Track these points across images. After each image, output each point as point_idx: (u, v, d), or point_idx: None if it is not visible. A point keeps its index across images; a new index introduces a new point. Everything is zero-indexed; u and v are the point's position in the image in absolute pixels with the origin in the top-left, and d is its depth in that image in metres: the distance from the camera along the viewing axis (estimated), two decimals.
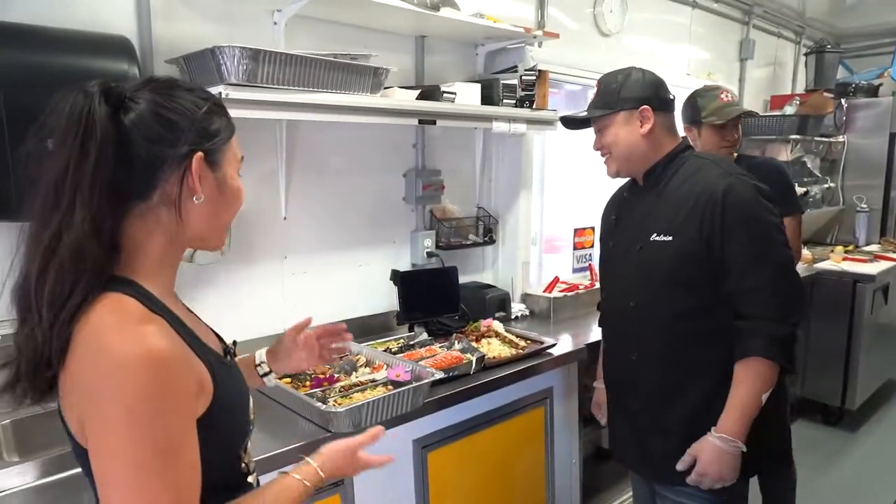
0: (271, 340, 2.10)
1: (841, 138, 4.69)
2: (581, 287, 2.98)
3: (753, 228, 1.48)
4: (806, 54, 4.89)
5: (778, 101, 4.66)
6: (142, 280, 0.85)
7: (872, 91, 4.72)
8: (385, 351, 2.06)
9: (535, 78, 2.53)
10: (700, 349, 1.56)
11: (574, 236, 3.27)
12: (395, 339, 2.23)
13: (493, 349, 2.20)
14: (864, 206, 4.66)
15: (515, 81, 2.48)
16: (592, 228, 3.29)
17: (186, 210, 0.87)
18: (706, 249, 1.49)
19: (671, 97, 1.65)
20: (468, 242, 2.71)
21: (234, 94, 1.64)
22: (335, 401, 1.62)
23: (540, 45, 2.66)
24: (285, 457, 1.49)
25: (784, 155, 4.30)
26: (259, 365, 1.26)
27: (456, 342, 2.15)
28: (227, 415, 0.90)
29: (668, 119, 1.64)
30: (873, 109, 4.62)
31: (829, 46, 4.76)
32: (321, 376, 1.80)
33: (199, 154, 0.86)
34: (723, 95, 2.36)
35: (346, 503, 1.70)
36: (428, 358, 2.00)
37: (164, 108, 0.84)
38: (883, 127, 4.57)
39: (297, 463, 1.00)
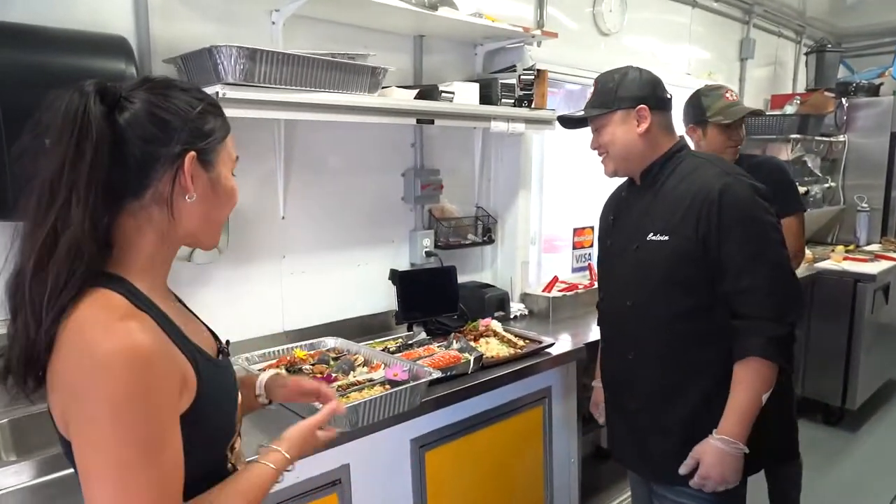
0: (270, 340, 2.14)
1: (842, 138, 4.68)
2: (580, 287, 2.98)
3: (750, 228, 1.47)
4: (806, 54, 4.89)
5: (778, 101, 4.65)
6: (131, 276, 0.86)
7: (873, 90, 4.71)
8: (383, 350, 2.06)
9: (533, 77, 2.53)
10: (698, 349, 1.56)
11: (573, 236, 3.27)
12: (394, 339, 2.23)
13: (492, 348, 2.19)
14: (865, 205, 4.65)
15: (514, 81, 2.47)
16: (592, 228, 3.28)
17: (179, 208, 0.88)
18: (703, 249, 1.49)
19: (668, 96, 1.65)
20: (467, 242, 2.71)
21: (231, 93, 1.64)
22: None
23: (539, 44, 2.66)
24: None
25: (784, 154, 4.30)
26: (258, 396, 1.23)
27: (454, 342, 2.15)
28: (212, 413, 0.91)
29: (665, 118, 1.64)
30: (874, 109, 4.61)
31: (829, 46, 4.76)
32: (319, 375, 1.80)
33: (192, 153, 0.87)
34: (727, 95, 2.35)
35: (344, 502, 1.70)
36: (426, 357, 1.99)
37: (159, 107, 0.85)
38: (884, 126, 4.57)
39: (263, 450, 1.02)
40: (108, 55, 1.58)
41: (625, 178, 1.76)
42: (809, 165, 4.59)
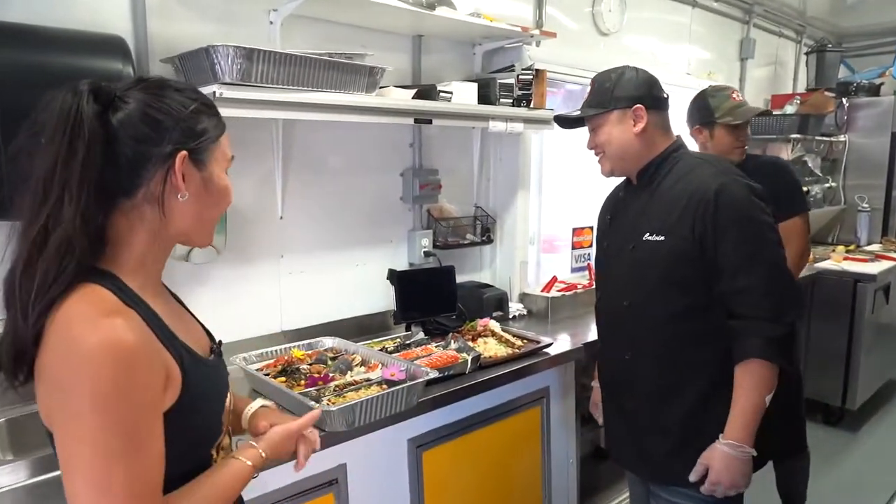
0: (268, 340, 2.14)
1: (842, 138, 4.68)
2: (579, 287, 2.98)
3: (746, 228, 1.47)
4: (807, 53, 4.88)
5: (779, 101, 4.65)
6: (121, 273, 0.87)
7: (874, 90, 4.71)
8: (381, 350, 2.06)
9: (532, 77, 2.52)
10: (695, 349, 1.55)
11: (572, 236, 3.27)
12: (392, 339, 2.23)
13: (490, 348, 2.19)
14: (866, 205, 4.65)
15: (512, 81, 2.47)
16: (591, 228, 3.28)
17: (171, 207, 0.89)
18: (699, 249, 1.49)
19: (665, 96, 1.65)
20: (466, 242, 2.71)
21: (228, 93, 1.65)
22: (329, 400, 1.62)
23: (538, 44, 2.66)
24: None
25: (785, 154, 4.29)
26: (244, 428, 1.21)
27: (452, 341, 2.14)
28: (198, 411, 0.91)
29: (661, 118, 1.63)
30: (874, 109, 4.61)
31: (830, 45, 4.75)
32: (316, 375, 1.80)
33: (183, 153, 0.88)
34: (734, 95, 2.36)
35: (340, 502, 1.70)
36: (423, 357, 1.99)
37: (152, 107, 0.86)
38: (884, 126, 4.56)
39: (242, 447, 1.02)
40: (105, 55, 1.58)
41: (622, 178, 1.76)
42: (810, 165, 4.58)
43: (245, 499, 1.43)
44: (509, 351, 2.19)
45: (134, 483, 0.77)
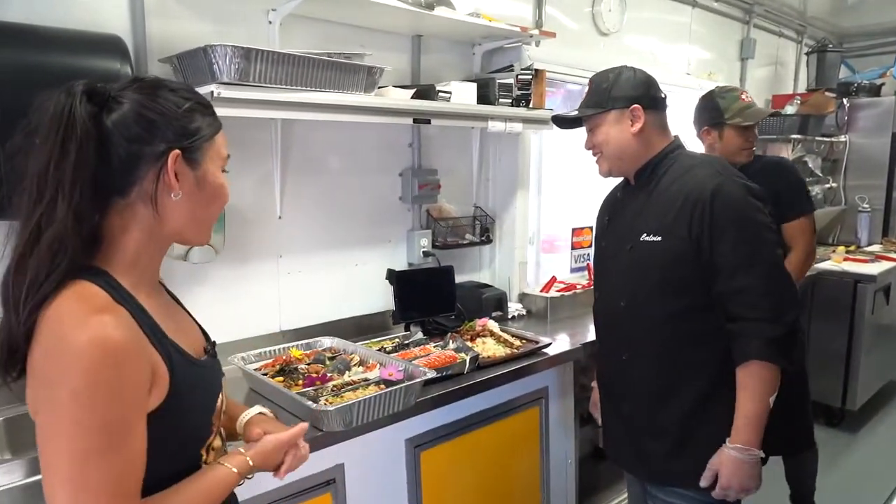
0: (267, 340, 2.14)
1: (843, 138, 4.67)
2: (578, 287, 2.97)
3: (744, 228, 1.47)
4: (807, 53, 4.87)
5: (779, 101, 4.64)
6: (115, 271, 0.87)
7: (874, 90, 4.70)
8: (379, 350, 2.06)
9: (531, 77, 2.52)
10: (693, 349, 1.55)
11: (572, 236, 3.26)
12: (390, 339, 2.23)
13: (488, 348, 2.19)
14: (867, 206, 4.64)
15: (511, 80, 2.47)
16: (590, 228, 3.28)
17: (164, 206, 0.89)
18: (696, 249, 1.48)
19: (662, 96, 1.65)
20: (465, 242, 2.71)
21: (226, 92, 1.65)
22: (326, 399, 1.62)
23: (537, 44, 2.66)
24: None
25: (785, 154, 4.29)
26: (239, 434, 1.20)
27: (450, 341, 2.14)
28: (186, 411, 0.91)
29: (659, 118, 1.63)
30: (875, 109, 4.61)
31: (830, 46, 4.74)
32: (314, 375, 1.80)
33: (176, 152, 0.88)
34: (743, 96, 2.36)
35: (338, 502, 1.70)
36: (422, 357, 1.99)
37: (145, 107, 0.87)
38: (885, 127, 4.56)
39: (230, 453, 1.02)
40: (103, 55, 1.58)
41: (620, 179, 1.76)
42: (810, 166, 4.57)
43: (243, 498, 1.44)
44: (508, 351, 2.19)
45: (111, 482, 0.78)
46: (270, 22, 2.04)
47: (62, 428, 0.77)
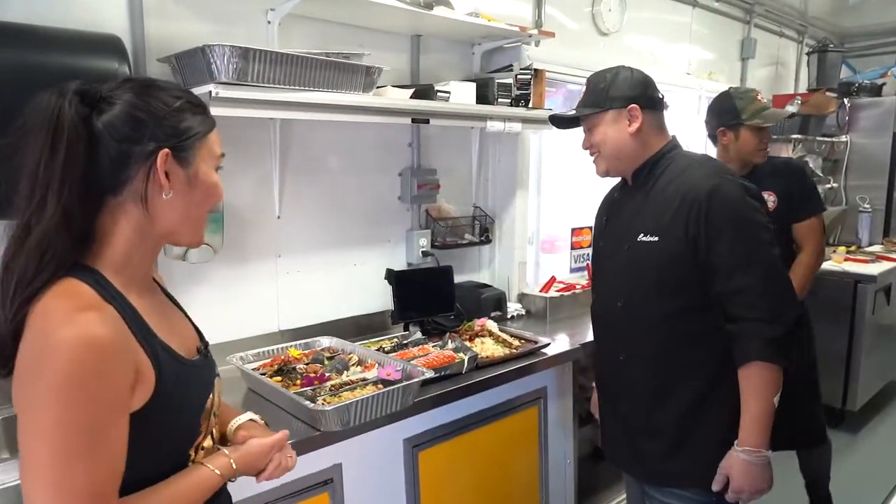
0: (265, 339, 2.14)
1: (844, 138, 4.66)
2: (578, 287, 2.97)
3: (741, 228, 1.46)
4: (808, 53, 4.87)
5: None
6: (105, 270, 0.88)
7: (876, 90, 4.69)
8: (378, 350, 2.06)
9: (530, 77, 2.52)
10: (690, 349, 1.55)
11: (571, 236, 3.26)
12: (389, 339, 2.23)
13: (487, 348, 2.19)
14: (868, 206, 4.63)
15: (511, 80, 2.47)
16: (590, 228, 3.27)
17: (155, 205, 0.90)
18: (693, 250, 1.48)
19: (660, 96, 1.65)
20: (464, 242, 2.71)
21: (224, 92, 1.65)
22: (324, 399, 1.62)
23: (537, 44, 2.66)
24: None
25: (785, 154, 4.28)
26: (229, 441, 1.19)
27: (449, 341, 2.14)
28: (173, 411, 0.91)
29: (656, 118, 1.63)
30: (876, 109, 4.59)
31: (831, 45, 4.73)
32: (312, 375, 1.80)
33: (165, 151, 0.88)
34: (759, 97, 2.36)
35: (335, 502, 1.70)
36: (420, 357, 1.99)
37: (135, 107, 0.87)
38: (886, 127, 4.54)
39: (215, 454, 1.01)
40: (101, 54, 1.58)
41: (618, 179, 1.75)
42: (811, 166, 4.56)
43: (239, 498, 1.44)
44: (506, 351, 2.19)
45: (89, 481, 0.77)
46: (269, 22, 2.04)
47: (43, 425, 0.77)
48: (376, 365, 1.86)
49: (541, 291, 2.90)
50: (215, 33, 1.93)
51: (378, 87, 2.06)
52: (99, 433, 0.79)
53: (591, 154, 1.67)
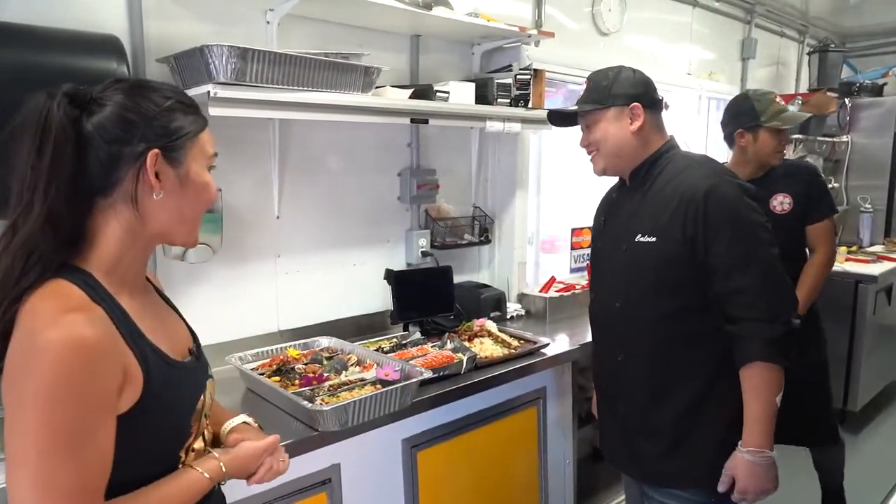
0: (264, 339, 2.14)
1: (845, 138, 4.66)
2: (577, 287, 2.96)
3: (739, 228, 1.46)
4: (809, 53, 4.86)
5: None
6: (95, 271, 0.87)
7: (877, 90, 4.68)
8: (377, 350, 2.06)
9: (530, 77, 2.52)
10: (687, 350, 1.54)
11: (571, 236, 3.26)
12: (388, 339, 2.23)
13: (486, 349, 2.19)
14: (869, 206, 4.62)
15: (510, 80, 2.47)
16: (589, 228, 3.27)
17: (146, 205, 0.90)
18: (690, 250, 1.48)
19: (659, 97, 1.64)
20: (464, 242, 2.70)
21: (223, 92, 1.65)
22: (322, 399, 1.62)
23: (536, 44, 2.66)
24: None
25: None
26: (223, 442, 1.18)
27: (448, 341, 2.14)
28: (162, 412, 0.91)
29: (656, 118, 1.63)
30: (877, 109, 4.58)
31: (832, 45, 4.72)
32: (311, 375, 1.80)
33: (155, 151, 0.88)
34: (778, 99, 2.37)
35: (333, 502, 1.70)
36: (419, 357, 1.99)
37: (125, 108, 0.88)
38: (887, 127, 4.53)
39: (205, 457, 1.01)
40: (100, 55, 1.58)
41: (616, 179, 1.75)
42: None
43: (237, 498, 1.44)
44: (506, 351, 2.19)
45: (75, 482, 0.77)
46: (268, 22, 2.04)
47: (29, 425, 0.76)
48: (375, 365, 1.86)
49: (540, 292, 2.90)
50: (214, 33, 1.93)
51: (377, 88, 2.06)
52: (85, 434, 0.78)
53: (589, 152, 1.67)
